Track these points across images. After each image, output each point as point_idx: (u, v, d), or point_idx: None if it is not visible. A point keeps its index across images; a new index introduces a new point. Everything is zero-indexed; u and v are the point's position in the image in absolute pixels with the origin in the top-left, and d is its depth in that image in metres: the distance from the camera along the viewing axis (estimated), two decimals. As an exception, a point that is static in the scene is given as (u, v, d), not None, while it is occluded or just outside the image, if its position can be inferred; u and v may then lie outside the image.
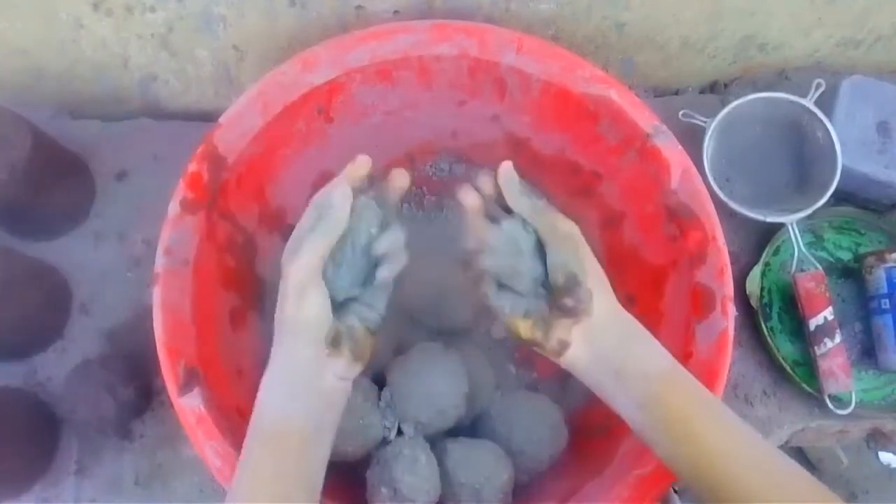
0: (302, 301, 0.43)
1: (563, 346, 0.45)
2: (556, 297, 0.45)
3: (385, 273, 0.46)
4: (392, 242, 0.46)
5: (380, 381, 0.58)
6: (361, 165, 0.47)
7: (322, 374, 0.43)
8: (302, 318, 0.43)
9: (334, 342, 0.43)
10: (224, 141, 0.54)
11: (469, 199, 0.48)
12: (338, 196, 0.44)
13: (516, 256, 0.46)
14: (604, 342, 0.45)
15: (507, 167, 0.47)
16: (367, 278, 0.46)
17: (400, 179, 0.48)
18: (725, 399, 0.51)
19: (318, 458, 0.44)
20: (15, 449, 0.59)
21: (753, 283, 0.68)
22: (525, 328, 0.46)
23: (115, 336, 0.65)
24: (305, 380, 0.43)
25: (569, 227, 0.47)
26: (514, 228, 0.47)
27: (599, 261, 0.47)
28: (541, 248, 0.47)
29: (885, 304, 0.67)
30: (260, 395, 0.44)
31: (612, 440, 0.57)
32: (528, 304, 0.46)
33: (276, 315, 0.44)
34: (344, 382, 0.45)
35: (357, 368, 0.45)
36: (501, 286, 0.48)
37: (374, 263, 0.46)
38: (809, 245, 0.71)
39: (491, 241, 0.47)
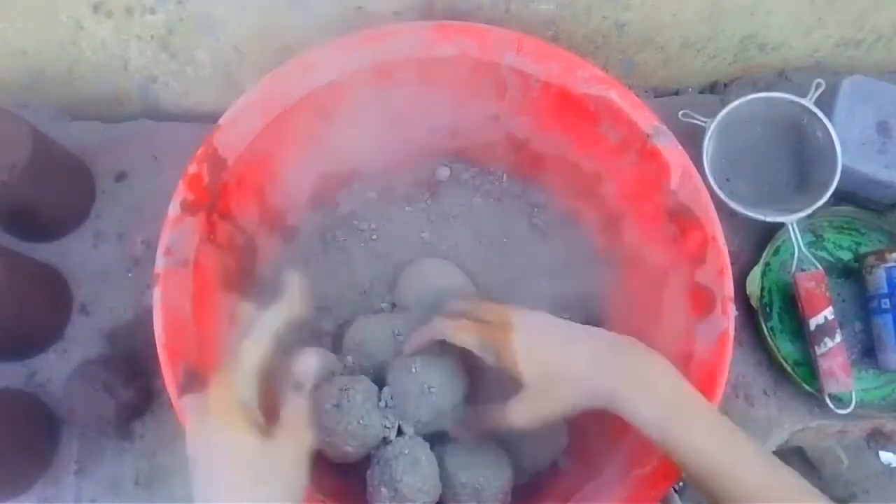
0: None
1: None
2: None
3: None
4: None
5: (380, 381, 0.58)
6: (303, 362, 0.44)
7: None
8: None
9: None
10: (224, 142, 0.54)
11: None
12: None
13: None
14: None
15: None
16: None
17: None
18: (725, 399, 0.52)
19: None
20: (15, 449, 0.59)
21: (753, 283, 0.68)
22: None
23: (115, 337, 0.65)
24: None
25: (500, 318, 0.51)
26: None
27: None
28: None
29: (886, 303, 0.67)
30: None
31: (612, 440, 0.56)
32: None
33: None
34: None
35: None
36: None
37: None
38: (809, 245, 0.71)
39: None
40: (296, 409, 0.42)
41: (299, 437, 0.41)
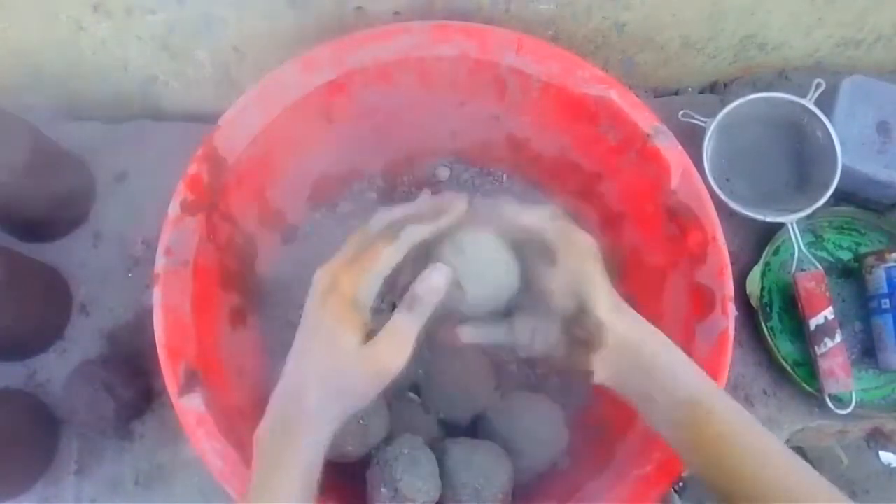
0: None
1: (587, 374, 0.44)
2: (567, 324, 0.44)
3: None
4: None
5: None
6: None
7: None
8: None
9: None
10: (224, 142, 0.54)
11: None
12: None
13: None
14: (623, 368, 0.43)
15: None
16: None
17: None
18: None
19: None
20: (15, 449, 0.59)
21: (753, 283, 0.68)
22: (542, 358, 0.46)
23: (115, 337, 0.65)
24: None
25: (585, 242, 0.44)
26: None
27: (608, 270, 0.45)
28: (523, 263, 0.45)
29: (886, 303, 0.67)
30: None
31: (612, 440, 0.57)
32: (535, 334, 0.45)
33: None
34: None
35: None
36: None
37: None
38: (809, 245, 0.71)
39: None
40: (400, 328, 0.41)
41: (389, 362, 0.40)
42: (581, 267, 0.43)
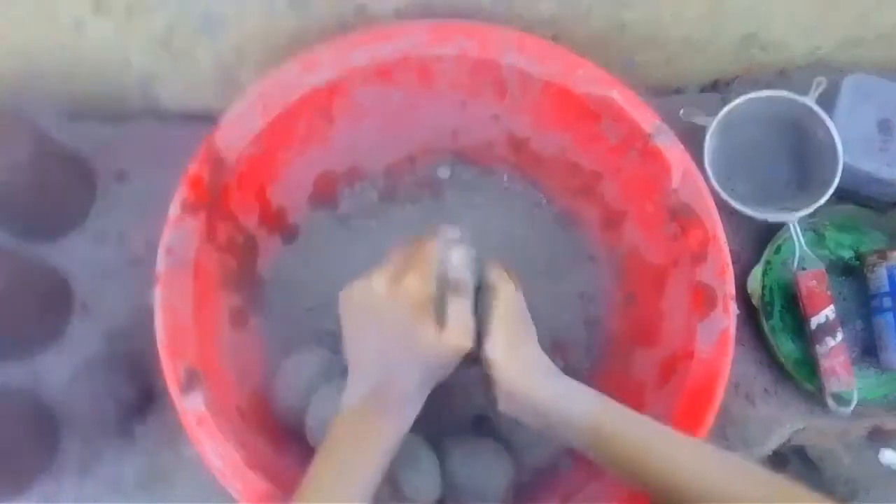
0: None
1: (491, 400, 0.47)
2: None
3: None
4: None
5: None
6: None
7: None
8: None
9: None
10: (225, 142, 0.54)
11: None
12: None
13: None
14: (518, 402, 0.46)
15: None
16: None
17: None
18: (726, 398, 0.51)
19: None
20: (16, 449, 0.59)
21: (755, 282, 0.68)
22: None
23: (115, 337, 0.65)
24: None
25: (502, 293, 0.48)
26: None
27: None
28: None
29: (887, 302, 0.67)
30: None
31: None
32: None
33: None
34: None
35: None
36: None
37: None
38: (811, 243, 0.71)
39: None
40: (460, 311, 0.45)
41: (461, 341, 0.45)
42: (484, 312, 0.48)
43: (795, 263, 0.68)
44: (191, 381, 0.49)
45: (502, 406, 0.47)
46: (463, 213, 0.70)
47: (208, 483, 0.62)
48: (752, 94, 0.69)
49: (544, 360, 0.48)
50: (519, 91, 0.59)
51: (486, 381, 0.48)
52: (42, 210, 0.65)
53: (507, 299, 0.48)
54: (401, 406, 0.45)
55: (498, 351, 0.46)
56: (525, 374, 0.46)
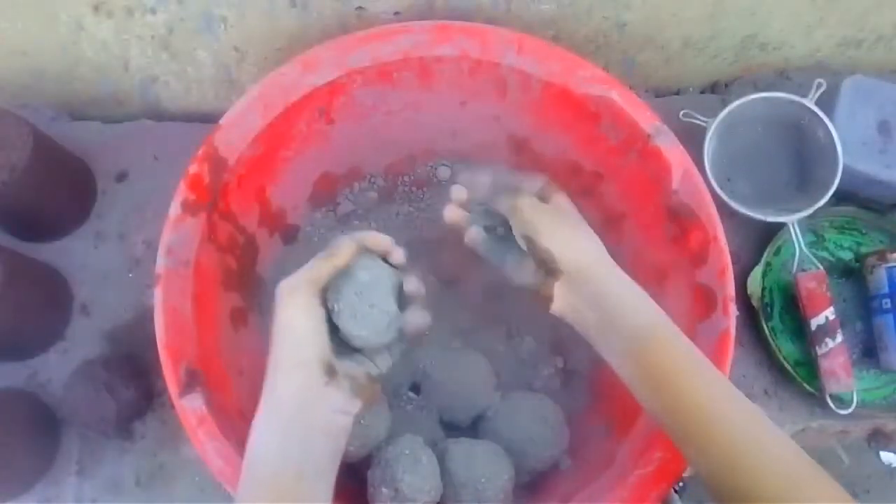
0: (292, 301, 0.42)
1: (548, 299, 0.48)
2: (535, 257, 0.49)
3: (409, 327, 0.47)
4: (416, 290, 0.48)
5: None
6: (379, 242, 0.48)
7: (317, 407, 0.41)
8: (291, 325, 0.42)
9: (329, 371, 0.42)
10: (225, 142, 0.54)
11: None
12: (344, 238, 0.46)
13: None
14: (578, 297, 0.47)
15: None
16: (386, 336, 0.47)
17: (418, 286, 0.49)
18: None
19: (319, 501, 0.42)
20: (16, 450, 0.59)
21: (754, 283, 0.68)
22: (518, 280, 0.51)
23: (115, 337, 0.65)
24: (300, 414, 0.41)
25: (513, 202, 0.49)
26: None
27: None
28: None
29: (887, 303, 0.67)
30: (251, 438, 0.42)
31: (612, 441, 0.57)
32: (517, 264, 0.50)
33: (270, 351, 0.43)
34: (344, 417, 0.43)
35: (357, 405, 0.44)
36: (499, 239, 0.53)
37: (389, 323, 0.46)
38: (810, 245, 0.71)
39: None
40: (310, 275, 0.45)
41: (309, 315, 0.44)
42: (522, 216, 0.49)
43: (795, 265, 0.68)
44: (191, 381, 0.49)
45: (558, 304, 0.47)
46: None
47: (208, 483, 0.62)
48: (752, 96, 0.69)
49: (610, 258, 0.48)
50: (519, 91, 0.59)
51: (540, 284, 0.48)
52: (43, 210, 0.65)
53: (562, 201, 0.50)
54: (303, 493, 0.41)
55: (567, 244, 0.47)
56: (599, 261, 0.47)
